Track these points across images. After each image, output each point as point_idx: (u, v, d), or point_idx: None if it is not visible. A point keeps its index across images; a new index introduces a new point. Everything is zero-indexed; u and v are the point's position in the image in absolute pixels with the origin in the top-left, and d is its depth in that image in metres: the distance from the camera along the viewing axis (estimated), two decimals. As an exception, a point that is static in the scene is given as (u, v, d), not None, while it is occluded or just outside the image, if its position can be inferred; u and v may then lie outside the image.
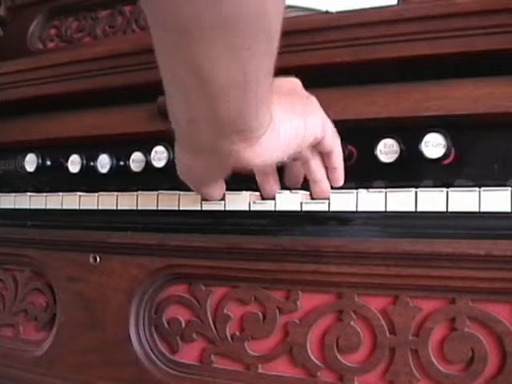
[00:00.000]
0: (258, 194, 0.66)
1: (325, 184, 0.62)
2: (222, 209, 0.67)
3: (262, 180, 0.65)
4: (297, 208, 0.64)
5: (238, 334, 0.67)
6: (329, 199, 0.62)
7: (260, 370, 0.65)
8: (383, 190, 0.60)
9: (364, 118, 0.65)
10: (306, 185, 0.66)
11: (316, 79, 0.64)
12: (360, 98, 0.65)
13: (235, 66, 0.43)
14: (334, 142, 0.61)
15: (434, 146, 0.60)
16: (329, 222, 0.62)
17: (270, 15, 0.42)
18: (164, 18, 0.40)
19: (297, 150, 0.57)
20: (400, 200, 0.59)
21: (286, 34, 0.67)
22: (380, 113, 0.64)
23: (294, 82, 0.60)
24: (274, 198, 0.64)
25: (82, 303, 0.75)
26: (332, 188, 0.64)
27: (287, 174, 0.66)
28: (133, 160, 0.78)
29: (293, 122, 0.54)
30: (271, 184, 0.64)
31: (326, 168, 0.63)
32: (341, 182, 0.63)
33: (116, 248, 0.73)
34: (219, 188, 0.63)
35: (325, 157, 0.62)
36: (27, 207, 0.83)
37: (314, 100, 0.59)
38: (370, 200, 0.60)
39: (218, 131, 0.48)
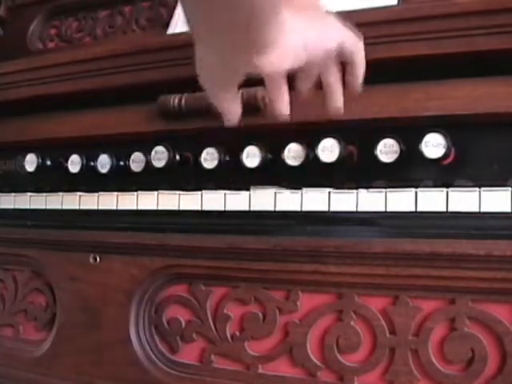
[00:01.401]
0: (258, 193, 0.66)
1: (338, 98, 0.61)
2: (222, 209, 0.67)
3: (272, 91, 0.64)
4: (297, 208, 0.64)
5: (237, 334, 0.67)
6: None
7: (260, 370, 0.65)
8: (383, 189, 0.60)
9: (364, 117, 0.65)
10: (305, 185, 0.66)
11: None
12: (360, 98, 0.65)
13: None
14: (353, 52, 0.59)
15: (434, 146, 0.60)
16: (329, 221, 0.62)
17: None
18: None
19: (310, 58, 0.57)
20: (400, 200, 0.59)
21: (286, 33, 0.67)
22: (380, 113, 0.64)
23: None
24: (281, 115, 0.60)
25: (82, 303, 0.75)
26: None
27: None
28: (133, 160, 0.78)
29: (304, 31, 0.55)
30: (282, 96, 0.63)
31: (347, 73, 0.61)
32: (357, 89, 0.61)
33: (116, 248, 0.73)
34: (234, 100, 0.61)
35: (346, 64, 0.61)
36: (27, 207, 0.83)
37: (330, 14, 0.60)
38: (370, 200, 0.60)
39: (231, 42, 0.50)
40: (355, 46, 0.60)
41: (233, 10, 0.47)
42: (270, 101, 0.62)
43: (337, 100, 0.61)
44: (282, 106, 0.62)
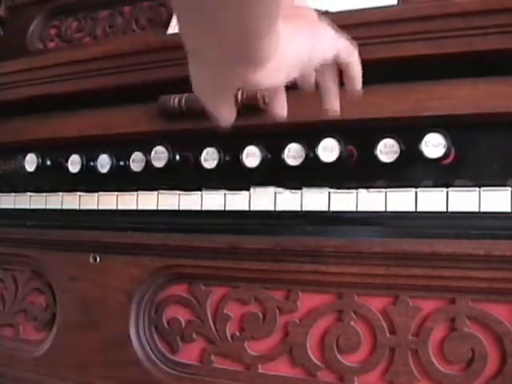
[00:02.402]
0: (258, 193, 0.66)
1: (334, 101, 0.61)
2: (222, 209, 0.67)
3: (270, 94, 0.63)
4: (297, 208, 0.64)
5: (237, 334, 0.67)
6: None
7: (260, 370, 0.66)
8: (383, 189, 0.60)
9: (364, 117, 0.65)
10: (305, 185, 0.66)
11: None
12: (360, 98, 0.65)
13: None
14: (348, 56, 0.60)
15: (434, 145, 0.60)
16: (329, 221, 0.62)
17: None
18: None
19: (304, 70, 0.57)
20: (400, 200, 0.59)
21: (286, 33, 0.67)
22: (380, 113, 0.64)
23: (303, 6, 0.60)
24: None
25: (82, 303, 0.75)
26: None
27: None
28: (133, 160, 0.78)
29: (299, 45, 0.54)
30: (279, 99, 0.62)
31: (344, 76, 0.61)
32: (357, 88, 0.61)
33: (116, 248, 0.73)
34: (229, 107, 0.60)
35: (342, 67, 0.61)
36: (27, 207, 0.83)
37: (322, 21, 0.59)
38: (370, 200, 0.60)
39: (223, 56, 0.49)
40: (350, 55, 0.60)
41: (227, 22, 0.45)
42: (268, 102, 0.63)
43: (333, 103, 0.61)
44: (279, 108, 0.63)
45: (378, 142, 0.63)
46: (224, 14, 0.44)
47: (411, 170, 0.63)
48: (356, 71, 0.61)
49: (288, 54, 0.53)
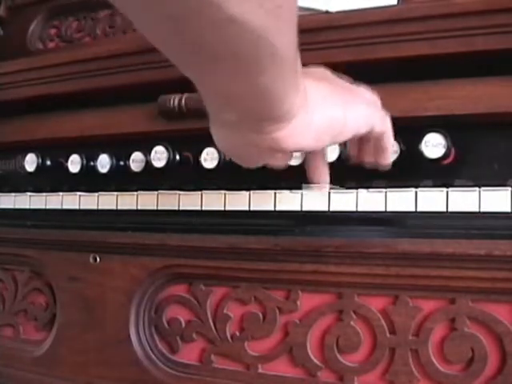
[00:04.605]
0: (258, 193, 0.66)
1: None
2: (222, 209, 0.67)
3: (309, 167, 0.61)
4: (297, 208, 0.64)
5: (237, 334, 0.67)
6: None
7: (260, 370, 0.66)
8: (383, 189, 0.60)
9: (364, 117, 0.65)
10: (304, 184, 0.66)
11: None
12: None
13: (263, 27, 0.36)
14: (383, 127, 0.56)
15: (433, 145, 0.60)
16: (329, 221, 0.62)
17: None
18: None
19: (332, 142, 0.53)
20: (400, 200, 0.59)
21: (286, 33, 0.67)
22: (380, 113, 0.64)
23: (325, 71, 0.55)
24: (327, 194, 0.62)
25: (81, 303, 0.75)
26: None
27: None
28: (133, 160, 0.78)
29: (329, 111, 0.50)
30: (319, 172, 0.61)
31: (374, 146, 0.59)
32: (388, 162, 0.59)
33: (116, 248, 0.73)
34: (278, 160, 0.56)
35: (375, 137, 0.58)
36: (27, 207, 0.83)
37: (354, 88, 0.55)
38: (370, 200, 0.60)
39: (246, 112, 0.45)
40: (384, 124, 0.57)
41: (239, 86, 0.41)
42: (307, 169, 0.61)
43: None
44: (316, 178, 0.61)
45: (378, 141, 0.63)
46: (234, 79, 0.41)
47: (411, 170, 0.63)
48: (389, 142, 0.57)
49: (318, 119, 0.48)
